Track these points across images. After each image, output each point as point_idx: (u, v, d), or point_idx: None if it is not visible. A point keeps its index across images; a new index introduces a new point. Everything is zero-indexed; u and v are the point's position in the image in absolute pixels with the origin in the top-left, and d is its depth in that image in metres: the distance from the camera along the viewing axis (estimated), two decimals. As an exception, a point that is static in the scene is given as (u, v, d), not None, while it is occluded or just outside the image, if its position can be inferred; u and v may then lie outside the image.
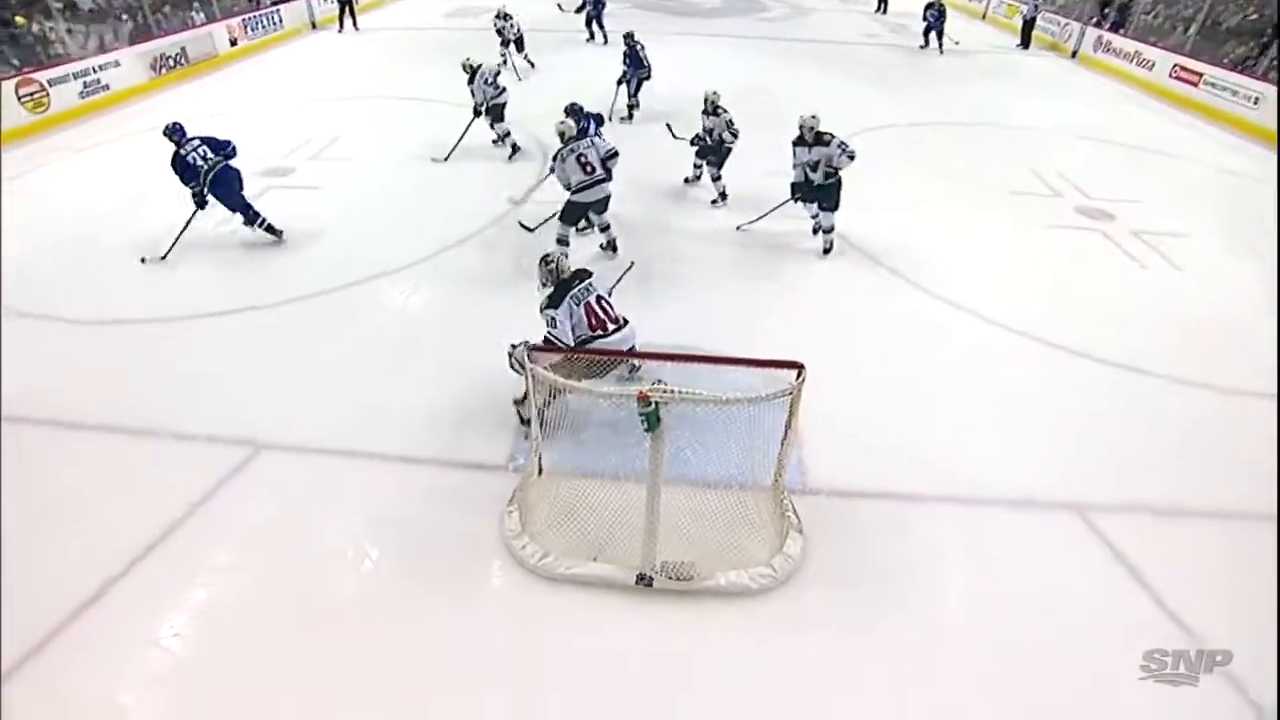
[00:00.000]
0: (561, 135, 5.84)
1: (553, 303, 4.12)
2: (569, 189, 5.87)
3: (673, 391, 3.21)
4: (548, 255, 4.32)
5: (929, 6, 14.22)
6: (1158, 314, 5.70)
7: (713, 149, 7.18)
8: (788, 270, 6.16)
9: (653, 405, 3.12)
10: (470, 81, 8.21)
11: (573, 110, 6.86)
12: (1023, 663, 3.16)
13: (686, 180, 7.78)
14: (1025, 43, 15.38)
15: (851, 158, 5.83)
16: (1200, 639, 3.22)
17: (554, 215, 6.02)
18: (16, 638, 3.15)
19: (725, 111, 7.02)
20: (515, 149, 8.44)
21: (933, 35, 14.29)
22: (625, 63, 9.66)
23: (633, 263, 5.16)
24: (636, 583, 3.35)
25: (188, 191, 6.18)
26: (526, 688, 3.04)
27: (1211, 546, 3.73)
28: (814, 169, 5.95)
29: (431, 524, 3.71)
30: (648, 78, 9.76)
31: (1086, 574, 3.58)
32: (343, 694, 2.99)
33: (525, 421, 4.21)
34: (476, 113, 8.30)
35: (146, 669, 3.11)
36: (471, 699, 2.99)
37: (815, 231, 6.46)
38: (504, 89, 8.32)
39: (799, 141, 5.96)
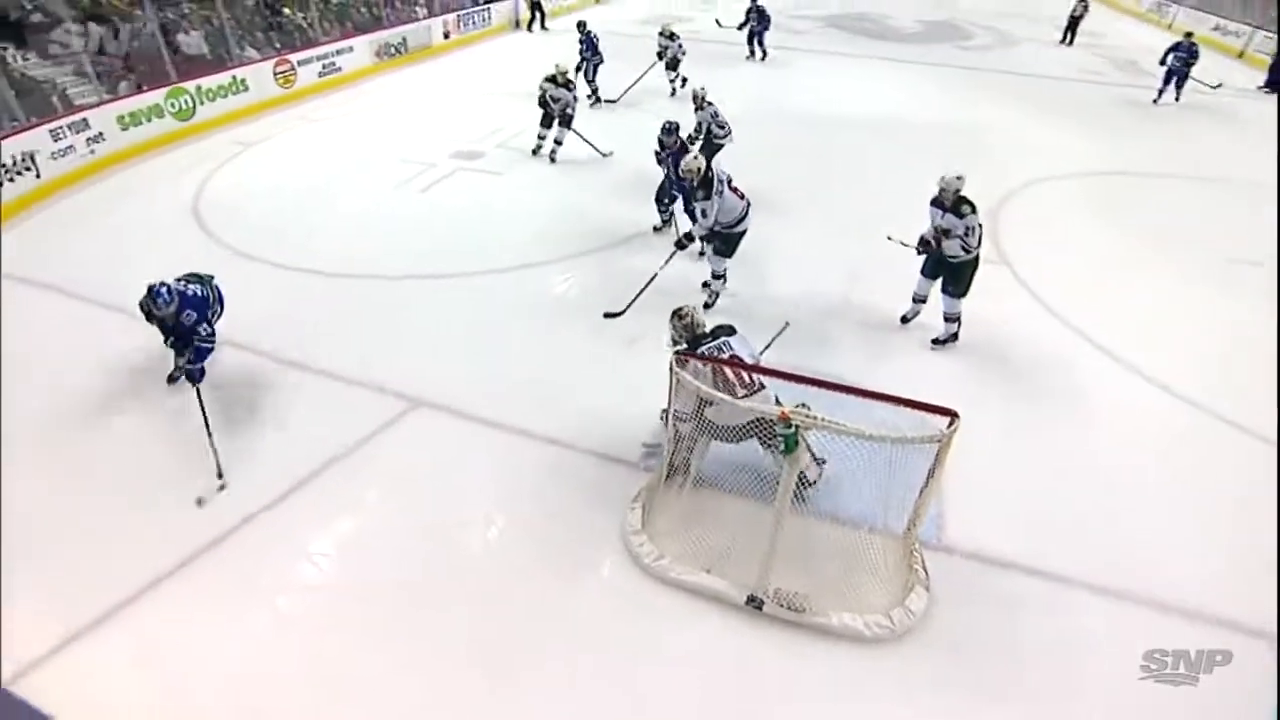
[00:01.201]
0: (694, 171, 5.17)
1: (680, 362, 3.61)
2: (726, 225, 5.33)
3: (817, 418, 3.14)
4: (680, 309, 3.89)
5: (1176, 46, 11.55)
6: None
7: (702, 146, 7.08)
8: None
9: (794, 428, 3.07)
10: (697, 109, 7.50)
11: (671, 130, 6.39)
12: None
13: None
14: (1274, 84, 12.81)
15: (968, 250, 4.93)
16: None
17: (641, 292, 5.42)
18: (208, 524, 3.70)
19: (712, 104, 7.18)
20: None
21: (1172, 82, 11.62)
22: (582, 50, 10.46)
23: (787, 323, 4.94)
24: (746, 603, 3.30)
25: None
26: (617, 677, 3.09)
27: None
28: (946, 237, 5.02)
29: (560, 504, 3.87)
30: (601, 63, 10.66)
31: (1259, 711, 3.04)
32: (447, 643, 3.20)
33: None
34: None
35: (296, 579, 3.54)
36: (563, 674, 3.09)
37: (909, 318, 5.53)
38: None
39: (936, 202, 5.05)
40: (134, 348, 4.92)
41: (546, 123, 8.41)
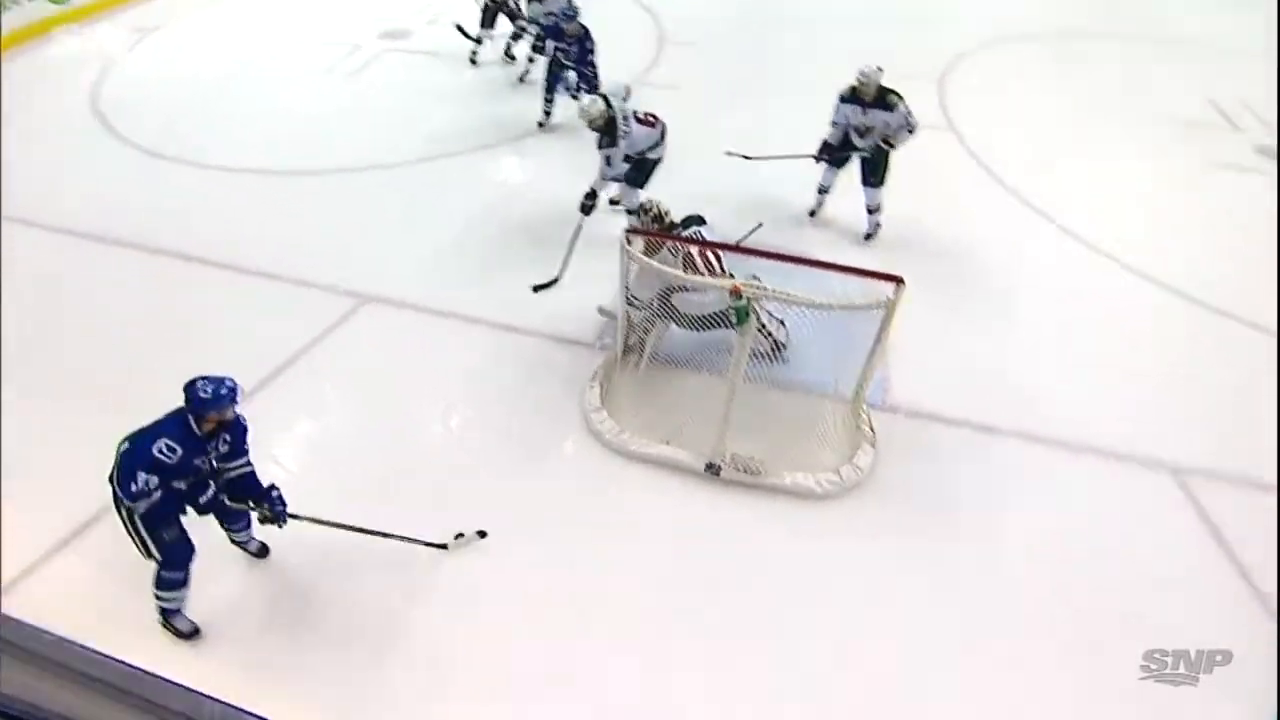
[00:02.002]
0: (596, 116, 4.45)
1: (652, 246, 3.66)
2: (637, 151, 4.65)
3: (767, 289, 3.20)
4: (645, 204, 3.93)
5: None
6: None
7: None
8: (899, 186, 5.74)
9: (744, 300, 3.12)
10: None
11: (572, 15, 6.00)
12: (1076, 609, 3.08)
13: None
14: None
15: (912, 132, 4.74)
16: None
17: (568, 256, 4.66)
18: None
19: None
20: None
21: None
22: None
23: (760, 223, 4.79)
24: (705, 470, 3.46)
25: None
26: (586, 548, 3.24)
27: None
28: (863, 135, 4.83)
29: (519, 388, 3.93)
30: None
31: (1168, 537, 3.40)
32: (420, 527, 3.21)
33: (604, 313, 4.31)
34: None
35: (265, 478, 3.52)
36: (533, 551, 3.21)
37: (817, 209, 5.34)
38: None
39: (851, 99, 4.76)
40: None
41: (489, 20, 7.26)
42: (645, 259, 3.35)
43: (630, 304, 3.72)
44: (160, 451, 2.50)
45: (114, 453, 2.57)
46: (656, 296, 3.65)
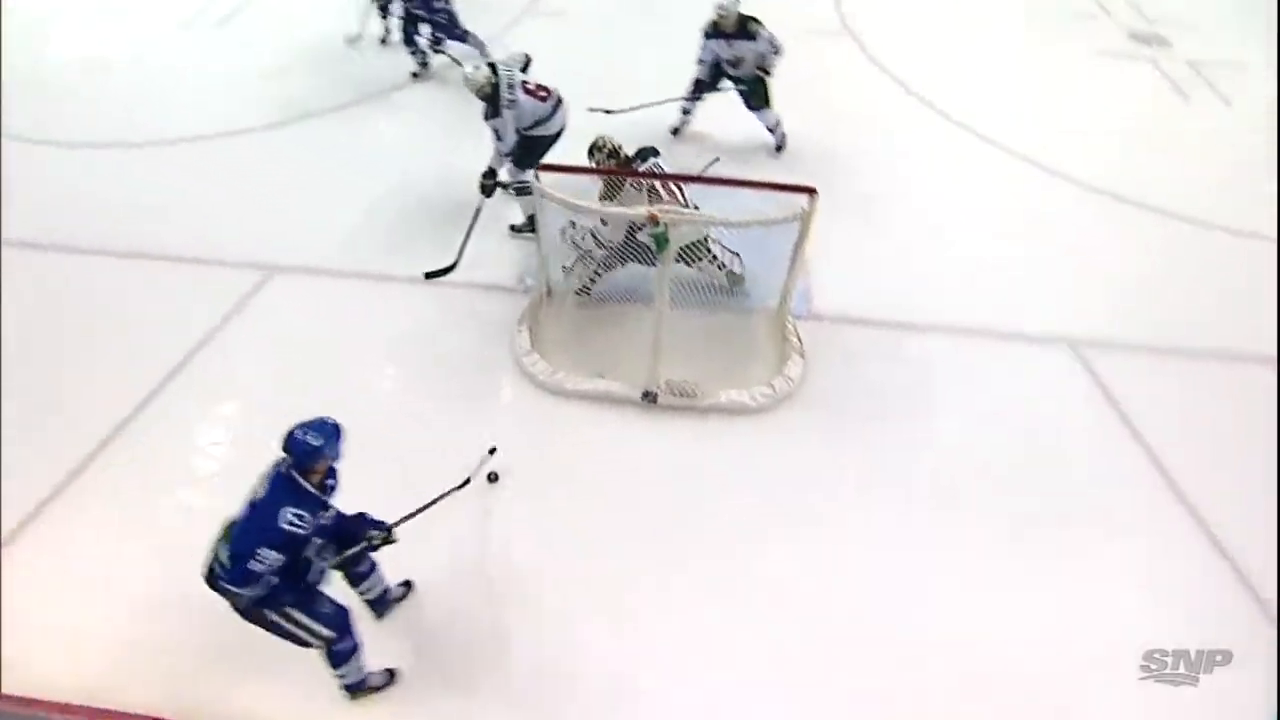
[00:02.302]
0: (480, 85, 4.05)
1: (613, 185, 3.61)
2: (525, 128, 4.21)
3: (683, 212, 3.21)
4: (597, 142, 3.80)
5: None
6: (1194, 153, 5.39)
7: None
8: (802, 98, 5.74)
9: (662, 226, 3.13)
10: None
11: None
12: (1000, 477, 3.34)
13: None
14: None
15: (779, 54, 4.74)
16: (1165, 467, 3.40)
17: (465, 241, 4.16)
18: (64, 456, 3.37)
19: None
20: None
21: None
22: None
23: (718, 158, 4.46)
24: (642, 399, 3.52)
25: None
26: (531, 490, 3.27)
27: (1198, 385, 3.80)
28: (736, 67, 4.81)
29: (446, 341, 3.86)
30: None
31: (1072, 405, 3.70)
32: (362, 502, 3.17)
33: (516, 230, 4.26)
34: None
35: (201, 470, 3.40)
36: (485, 498, 3.22)
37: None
38: None
39: (715, 34, 4.73)
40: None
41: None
42: (556, 195, 3.29)
43: (603, 245, 3.68)
44: (291, 524, 2.19)
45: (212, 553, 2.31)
46: (625, 234, 3.59)
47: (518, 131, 4.10)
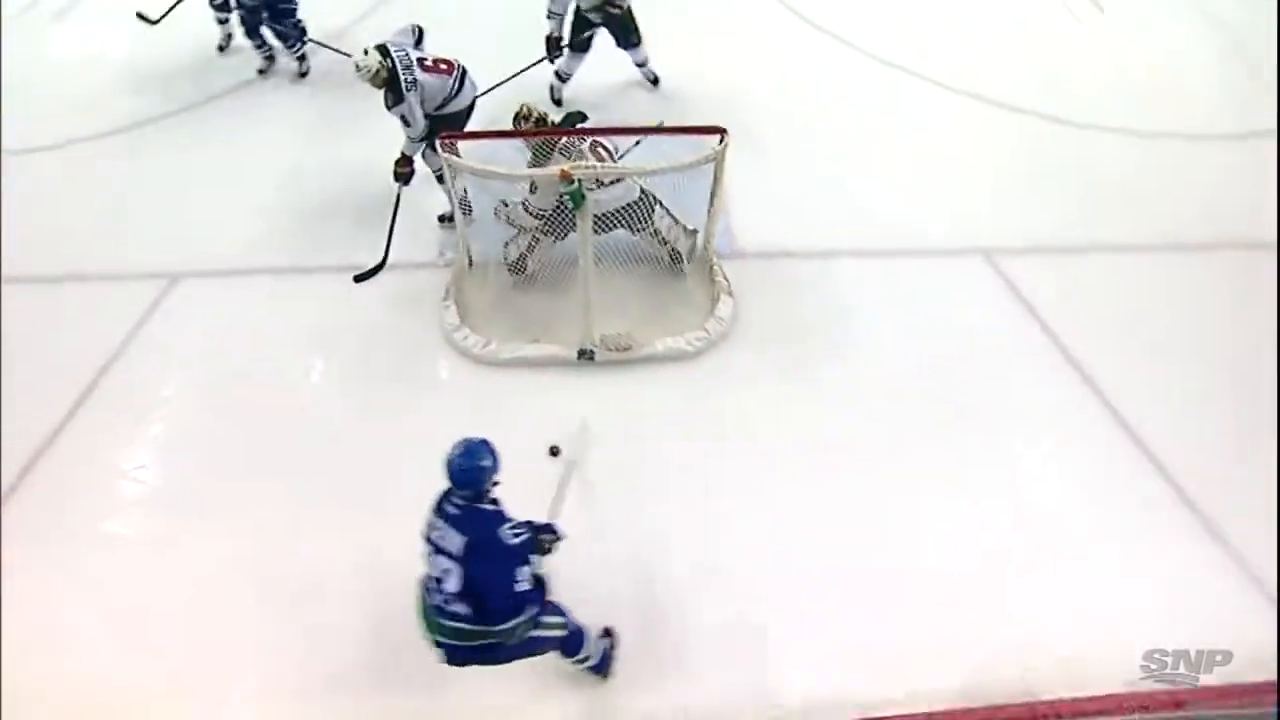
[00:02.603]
0: (372, 71, 3.71)
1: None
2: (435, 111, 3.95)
3: (595, 167, 3.17)
4: (520, 110, 3.61)
5: None
6: (1077, 57, 5.57)
7: None
8: (707, 32, 5.63)
9: (576, 182, 3.09)
10: None
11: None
12: (933, 388, 3.51)
13: None
14: None
15: (617, 6, 4.50)
16: (1077, 359, 3.64)
17: (389, 240, 4.00)
18: None
19: None
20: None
21: None
22: None
23: (662, 121, 4.04)
24: (579, 358, 3.52)
25: None
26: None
27: (1107, 279, 4.03)
28: (595, 10, 4.53)
29: (371, 328, 3.74)
30: None
31: (989, 311, 3.88)
32: (306, 504, 3.13)
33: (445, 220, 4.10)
34: None
35: (123, 498, 3.24)
36: (428, 488, 3.14)
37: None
38: None
39: None
40: None
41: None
42: (463, 162, 3.20)
43: (536, 215, 3.54)
44: (517, 536, 2.15)
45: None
46: (555, 201, 3.43)
47: (426, 115, 3.82)
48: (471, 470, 2.18)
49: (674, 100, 5.06)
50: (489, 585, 2.10)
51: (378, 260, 3.97)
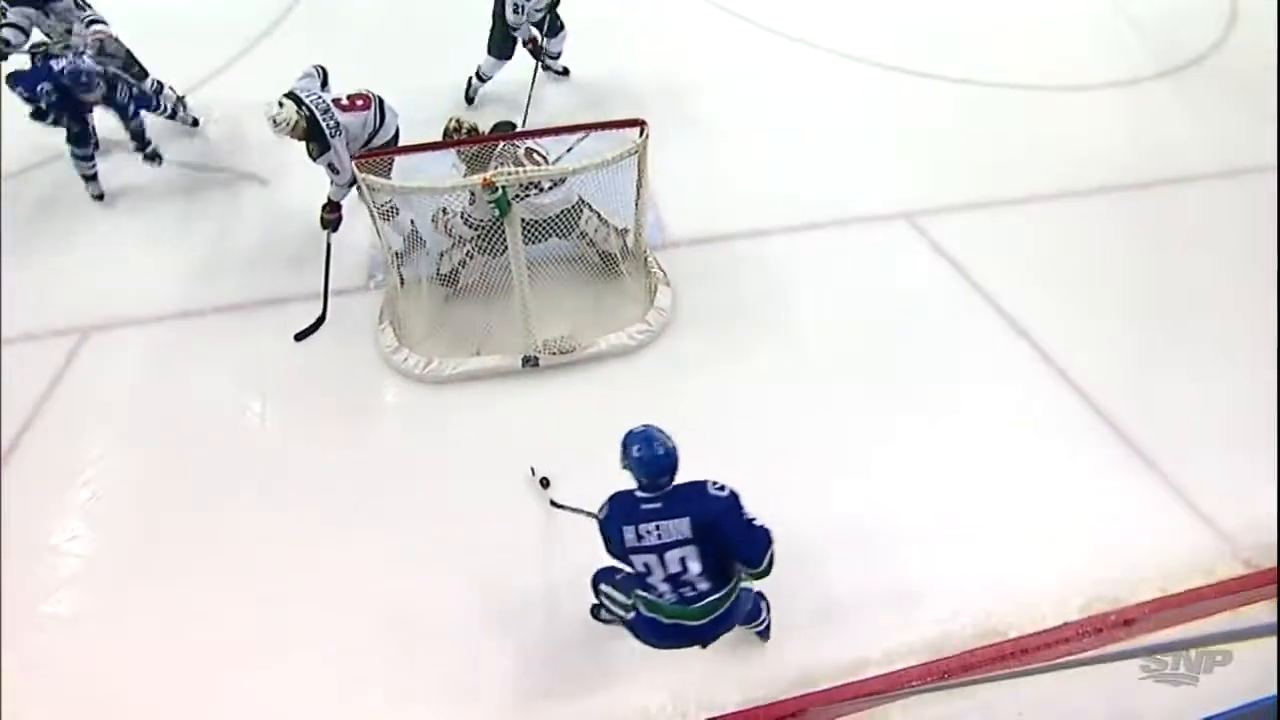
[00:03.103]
0: (290, 124, 3.47)
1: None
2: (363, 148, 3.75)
3: (517, 171, 3.13)
4: (451, 122, 3.59)
5: None
6: (960, 19, 5.81)
7: None
8: (621, 29, 5.62)
9: (499, 190, 3.04)
10: None
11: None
12: (873, 350, 3.62)
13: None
14: None
15: None
16: (1002, 307, 3.80)
17: (326, 286, 3.79)
18: None
19: None
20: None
21: None
22: None
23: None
24: (523, 365, 3.48)
25: None
26: (441, 479, 3.19)
27: (1014, 229, 4.23)
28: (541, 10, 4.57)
29: (307, 359, 3.62)
30: None
31: (918, 270, 4.03)
32: (271, 542, 3.03)
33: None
34: None
35: (56, 574, 3.03)
36: (385, 509, 3.11)
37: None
38: None
39: None
40: None
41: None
42: (379, 178, 3.11)
43: (469, 225, 3.49)
44: (721, 489, 2.17)
45: None
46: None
47: (352, 155, 3.56)
48: (671, 454, 2.18)
49: (587, 95, 5.08)
50: (738, 539, 2.13)
51: (316, 315, 3.75)
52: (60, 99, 3.96)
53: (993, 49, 5.50)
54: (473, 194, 3.33)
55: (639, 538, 2.14)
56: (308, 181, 3.91)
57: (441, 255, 3.70)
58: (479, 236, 3.49)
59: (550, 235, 3.55)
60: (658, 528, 2.12)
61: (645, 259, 3.79)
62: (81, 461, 3.35)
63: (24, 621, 2.88)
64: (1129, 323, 3.81)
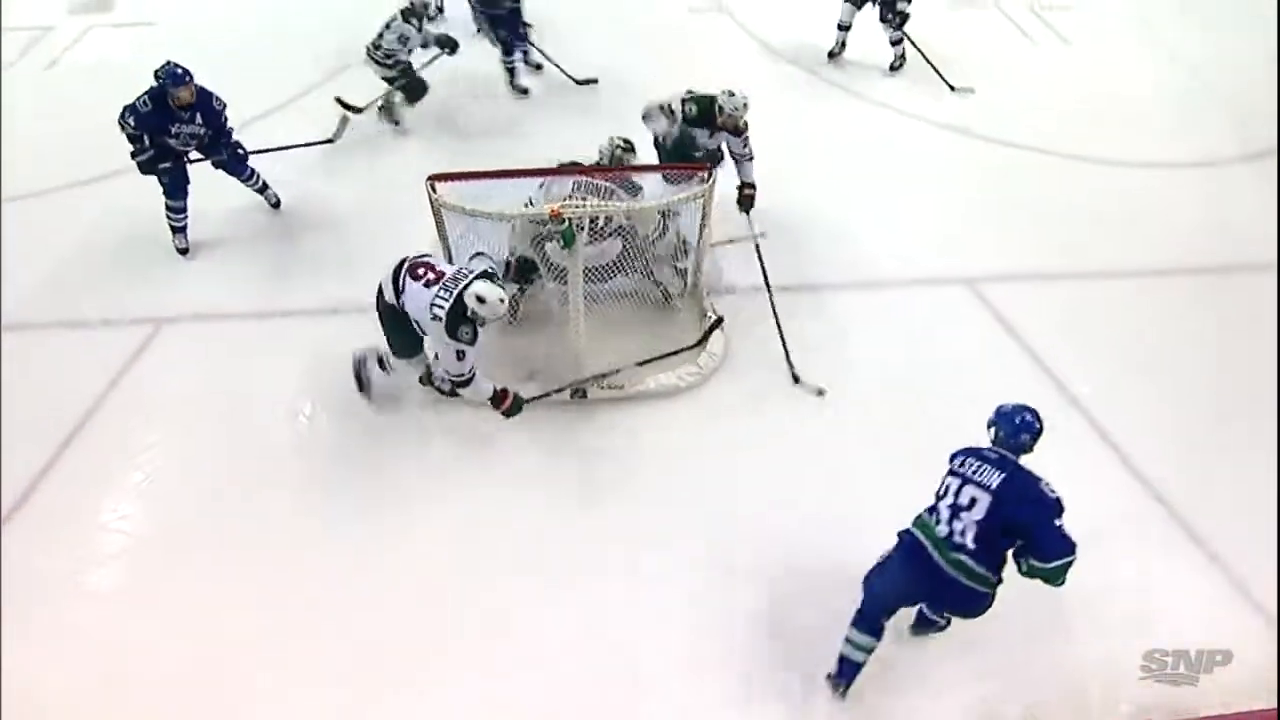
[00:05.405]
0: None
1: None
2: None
3: (586, 206, 3.20)
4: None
5: None
6: (1049, 90, 5.80)
7: None
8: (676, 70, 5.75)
9: (566, 221, 3.10)
10: None
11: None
12: (924, 412, 3.50)
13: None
14: None
15: None
16: (1062, 381, 3.70)
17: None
18: None
19: None
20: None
21: None
22: None
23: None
24: (571, 397, 3.50)
25: None
26: (488, 497, 3.23)
27: (1080, 304, 4.12)
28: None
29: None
30: None
31: (975, 338, 3.96)
32: (311, 543, 3.08)
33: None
34: None
35: (101, 550, 3.14)
36: (430, 525, 3.15)
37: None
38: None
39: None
40: None
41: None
42: (452, 204, 3.20)
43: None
44: (1053, 492, 2.33)
45: None
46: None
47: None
48: (1029, 425, 2.43)
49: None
50: (1041, 533, 2.26)
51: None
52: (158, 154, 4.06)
53: (1073, 120, 5.45)
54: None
55: (962, 463, 2.43)
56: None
57: (512, 253, 3.59)
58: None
59: (610, 276, 3.58)
60: (979, 466, 2.37)
61: (702, 301, 3.80)
62: (140, 445, 3.47)
63: (61, 590, 2.98)
64: (1194, 408, 3.64)
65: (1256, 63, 6.16)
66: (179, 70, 3.92)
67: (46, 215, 4.65)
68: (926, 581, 2.39)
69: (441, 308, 2.92)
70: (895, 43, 5.76)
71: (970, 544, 2.29)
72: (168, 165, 4.13)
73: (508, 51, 5.40)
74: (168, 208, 4.27)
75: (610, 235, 3.48)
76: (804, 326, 3.89)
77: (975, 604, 2.39)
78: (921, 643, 2.83)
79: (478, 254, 3.28)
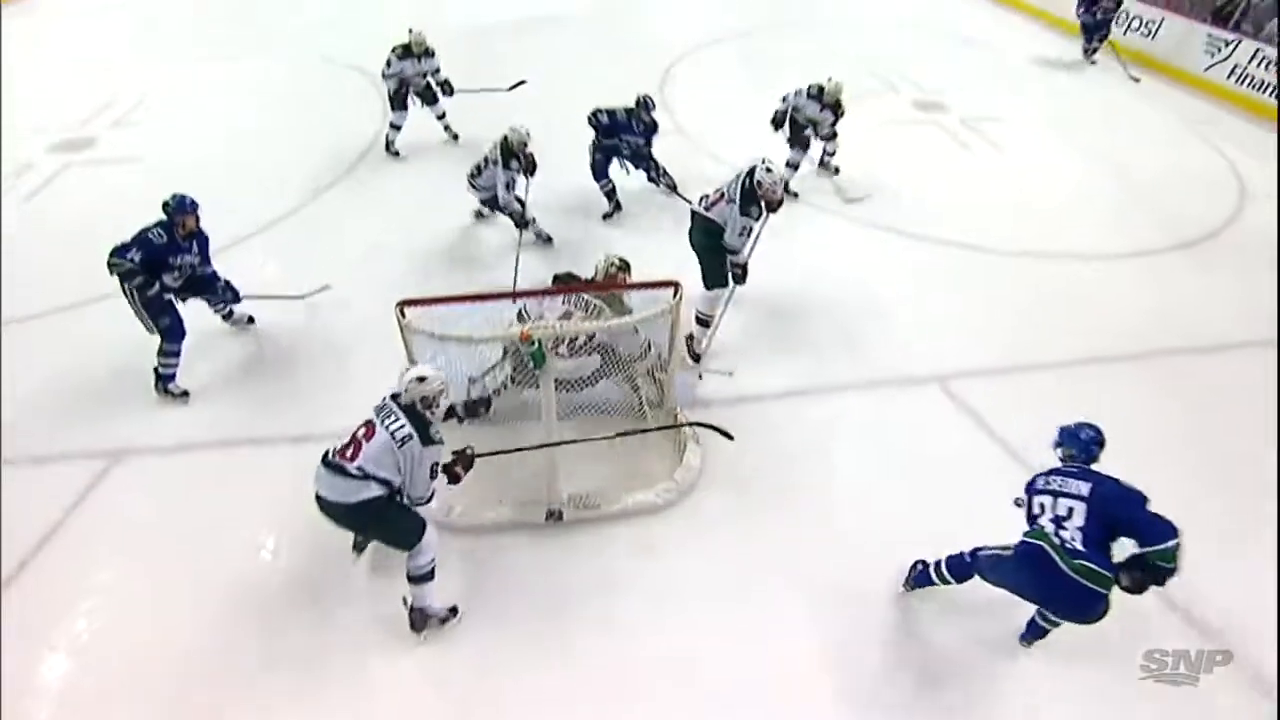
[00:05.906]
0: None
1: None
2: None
3: (557, 326, 3.24)
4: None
5: None
6: (988, 195, 6.25)
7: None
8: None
9: (536, 343, 3.12)
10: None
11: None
12: (904, 522, 3.49)
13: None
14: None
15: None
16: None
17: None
18: None
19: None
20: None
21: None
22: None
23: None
24: (546, 519, 3.42)
25: None
26: (458, 630, 3.10)
27: (1045, 393, 4.22)
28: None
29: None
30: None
31: (948, 434, 4.01)
32: (281, 687, 2.93)
33: None
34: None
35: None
36: (415, 652, 3.03)
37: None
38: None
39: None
40: None
41: (400, 103, 6.52)
42: (421, 329, 3.21)
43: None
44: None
45: None
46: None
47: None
48: (1098, 435, 2.74)
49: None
50: (1141, 522, 2.43)
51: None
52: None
53: (1010, 217, 5.88)
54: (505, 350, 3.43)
55: (1046, 482, 2.65)
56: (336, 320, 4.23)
57: (471, 380, 3.66)
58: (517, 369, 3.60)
59: (587, 385, 3.62)
60: (1062, 481, 2.61)
61: (675, 416, 3.80)
62: (91, 583, 3.31)
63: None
64: (1162, 483, 3.64)
65: (1175, 166, 6.75)
66: (188, 200, 4.04)
67: (27, 340, 4.61)
68: (1046, 586, 2.52)
69: (402, 427, 2.78)
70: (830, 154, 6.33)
71: (1082, 548, 2.44)
72: (169, 303, 4.11)
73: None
74: (165, 353, 4.14)
75: (591, 351, 3.54)
76: (775, 436, 3.93)
77: (1094, 607, 2.48)
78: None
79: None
